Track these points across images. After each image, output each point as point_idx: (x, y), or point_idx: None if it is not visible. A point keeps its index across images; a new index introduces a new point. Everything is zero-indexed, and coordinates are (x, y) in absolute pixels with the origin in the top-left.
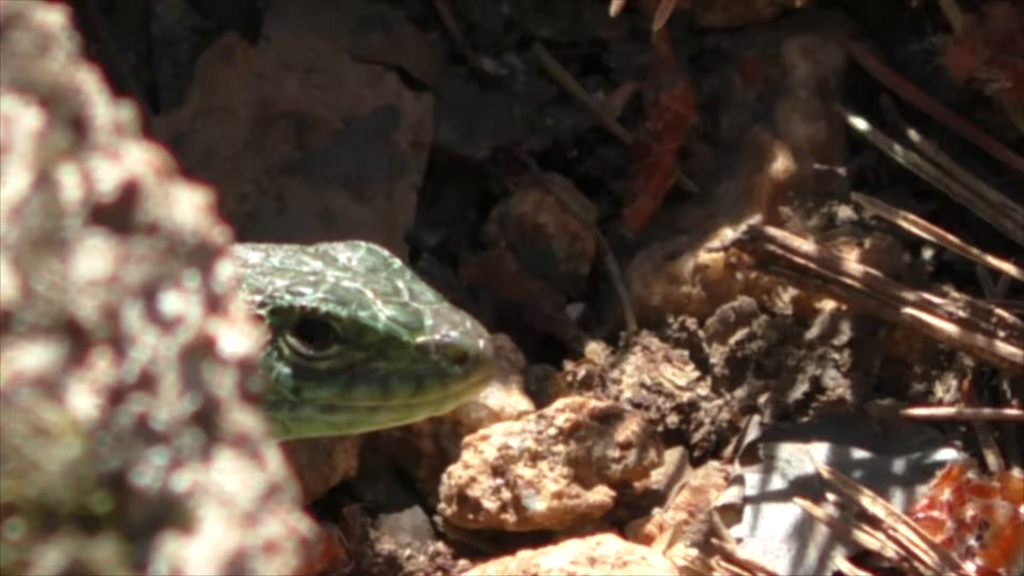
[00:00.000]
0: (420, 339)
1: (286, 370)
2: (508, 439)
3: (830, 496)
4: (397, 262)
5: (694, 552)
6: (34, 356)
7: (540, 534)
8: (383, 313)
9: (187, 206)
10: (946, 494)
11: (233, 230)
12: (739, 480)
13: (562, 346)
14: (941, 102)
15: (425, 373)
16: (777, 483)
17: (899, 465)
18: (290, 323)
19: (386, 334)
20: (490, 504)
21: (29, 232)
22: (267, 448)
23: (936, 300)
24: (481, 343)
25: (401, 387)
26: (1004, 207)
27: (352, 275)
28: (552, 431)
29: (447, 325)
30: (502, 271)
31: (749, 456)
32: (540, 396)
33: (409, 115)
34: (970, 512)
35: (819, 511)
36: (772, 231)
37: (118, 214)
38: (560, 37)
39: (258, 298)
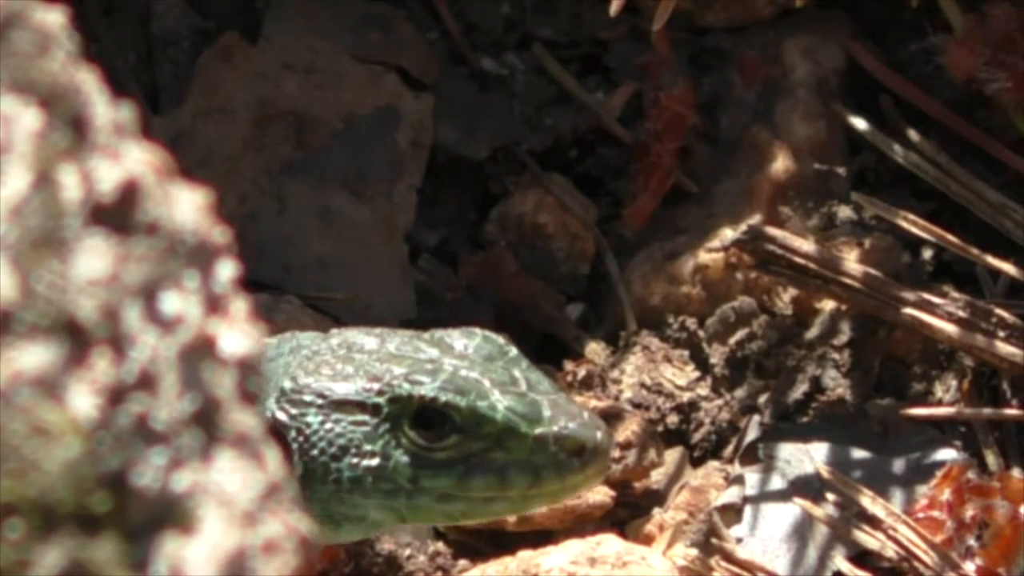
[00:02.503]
0: (538, 431)
1: (404, 459)
2: None
3: (830, 496)
4: (513, 350)
5: (694, 552)
6: (34, 356)
7: (540, 534)
8: (501, 403)
9: (187, 206)
10: (946, 494)
11: (233, 230)
12: (739, 480)
13: (562, 346)
14: (941, 102)
15: (543, 465)
16: (777, 483)
17: (899, 465)
18: (409, 412)
19: (504, 425)
20: None
21: (29, 232)
22: (267, 448)
23: (936, 300)
24: (599, 435)
25: (518, 478)
26: (1004, 207)
27: (469, 364)
28: None
29: (565, 416)
30: (502, 271)
31: (749, 456)
32: None
33: (409, 115)
34: (970, 512)
35: (819, 511)
36: (772, 231)
37: (118, 214)
38: (560, 37)
39: (376, 386)
